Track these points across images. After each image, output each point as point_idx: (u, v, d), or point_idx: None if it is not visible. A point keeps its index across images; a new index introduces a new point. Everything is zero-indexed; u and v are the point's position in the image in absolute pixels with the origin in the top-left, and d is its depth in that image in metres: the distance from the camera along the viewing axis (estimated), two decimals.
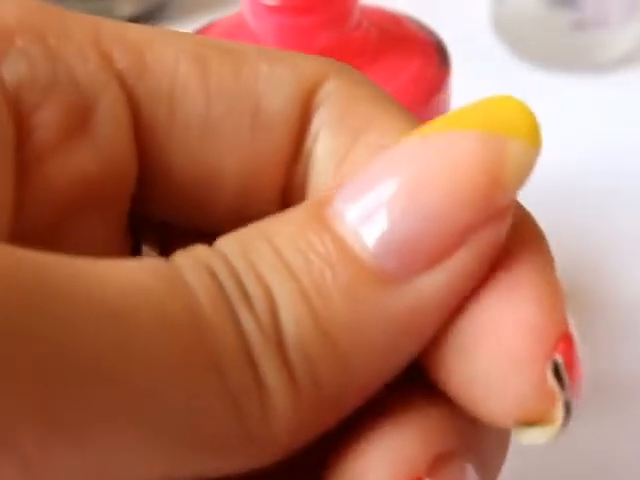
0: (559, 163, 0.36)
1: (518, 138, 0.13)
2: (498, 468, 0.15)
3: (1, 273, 0.11)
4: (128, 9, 0.48)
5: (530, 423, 0.13)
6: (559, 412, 0.13)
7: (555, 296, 0.14)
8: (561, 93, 0.44)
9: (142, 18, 0.49)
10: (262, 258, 0.12)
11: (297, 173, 0.16)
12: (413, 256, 0.13)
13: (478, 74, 0.45)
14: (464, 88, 0.45)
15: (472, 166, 0.13)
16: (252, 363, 0.12)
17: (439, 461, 0.13)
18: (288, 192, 0.16)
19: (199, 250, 0.13)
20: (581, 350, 0.14)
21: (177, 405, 0.11)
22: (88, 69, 0.14)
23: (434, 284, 0.13)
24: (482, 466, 0.14)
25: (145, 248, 0.17)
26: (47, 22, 0.14)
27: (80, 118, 0.14)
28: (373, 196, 0.13)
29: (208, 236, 0.15)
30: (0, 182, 0.13)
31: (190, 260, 0.12)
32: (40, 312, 0.11)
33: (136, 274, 0.12)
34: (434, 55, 0.28)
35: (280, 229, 0.13)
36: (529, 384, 0.13)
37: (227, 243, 0.13)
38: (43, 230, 0.15)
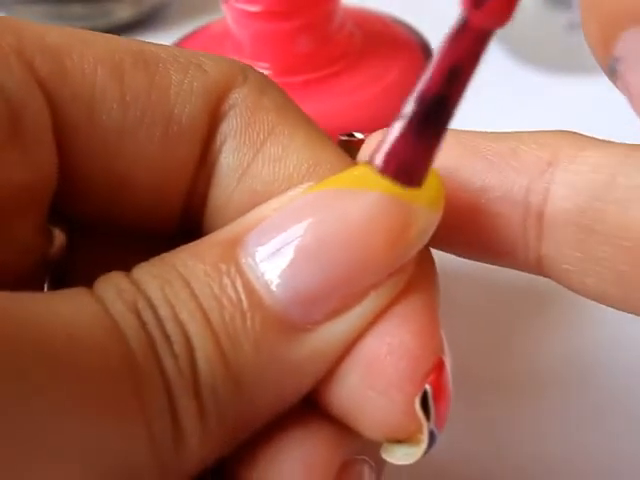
0: None
1: (425, 205, 0.14)
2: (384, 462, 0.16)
3: None
4: (126, 12, 0.48)
5: (398, 441, 0.15)
6: (424, 437, 0.14)
7: (431, 326, 0.15)
8: (558, 93, 0.44)
9: (140, 21, 0.49)
10: (180, 301, 0.14)
11: (202, 180, 0.17)
12: (317, 307, 0.14)
13: (475, 75, 0.45)
14: None
15: (379, 229, 0.14)
16: (172, 403, 0.13)
17: (344, 467, 0.15)
18: (191, 197, 0.17)
19: (123, 285, 0.14)
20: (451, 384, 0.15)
21: (107, 449, 0.12)
22: (14, 79, 0.15)
23: (335, 333, 0.14)
24: (376, 465, 0.16)
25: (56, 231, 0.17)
26: None
27: (10, 129, 0.15)
28: (281, 242, 0.14)
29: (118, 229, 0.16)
30: None
31: (117, 297, 0.13)
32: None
33: (79, 323, 0.13)
34: (419, 55, 0.28)
35: (196, 267, 0.14)
36: (396, 408, 0.14)
37: (146, 279, 0.14)
38: None
